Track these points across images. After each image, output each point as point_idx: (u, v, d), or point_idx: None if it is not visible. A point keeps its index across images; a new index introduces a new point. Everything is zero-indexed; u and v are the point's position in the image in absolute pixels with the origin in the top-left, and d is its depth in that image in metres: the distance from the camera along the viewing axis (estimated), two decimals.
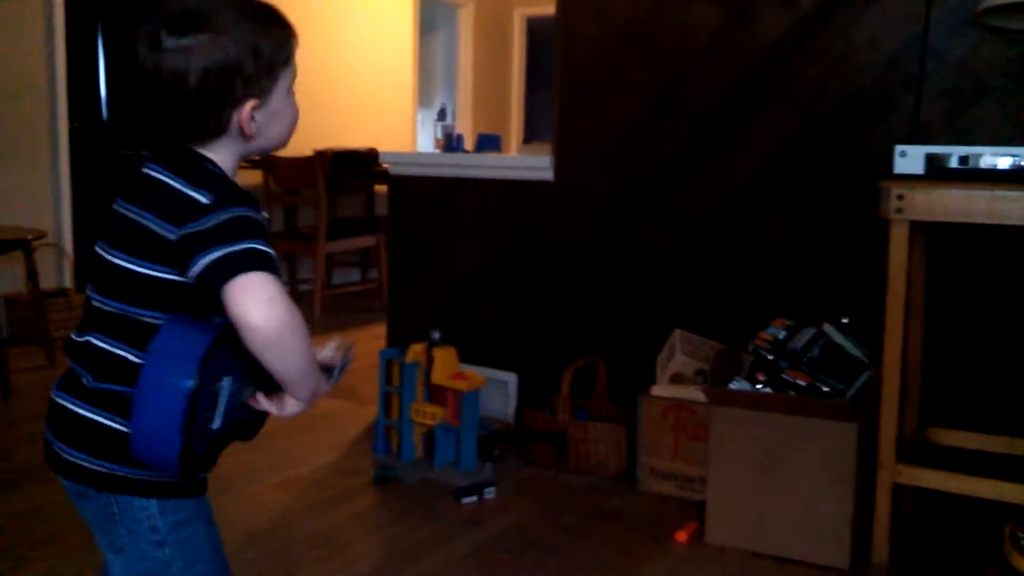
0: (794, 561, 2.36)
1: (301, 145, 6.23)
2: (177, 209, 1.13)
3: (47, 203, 5.01)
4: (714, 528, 2.48)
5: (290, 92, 1.24)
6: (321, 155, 5.48)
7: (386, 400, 3.01)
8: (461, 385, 2.84)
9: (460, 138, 5.69)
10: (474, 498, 2.75)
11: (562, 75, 3.29)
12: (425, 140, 8.57)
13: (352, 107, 7.02)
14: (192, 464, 1.13)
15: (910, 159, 2.33)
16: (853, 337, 2.50)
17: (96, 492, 1.20)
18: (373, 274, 6.66)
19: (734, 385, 2.45)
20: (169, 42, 1.13)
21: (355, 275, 6.91)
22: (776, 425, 2.37)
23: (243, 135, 1.20)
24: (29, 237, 3.91)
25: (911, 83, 2.70)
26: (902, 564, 2.32)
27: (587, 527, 2.60)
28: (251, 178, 6.07)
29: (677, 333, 2.94)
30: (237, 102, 1.17)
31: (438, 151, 6.13)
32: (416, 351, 2.94)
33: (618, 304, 3.22)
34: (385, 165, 4.02)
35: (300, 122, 1.27)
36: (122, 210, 1.18)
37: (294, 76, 1.23)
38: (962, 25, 2.62)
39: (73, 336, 1.22)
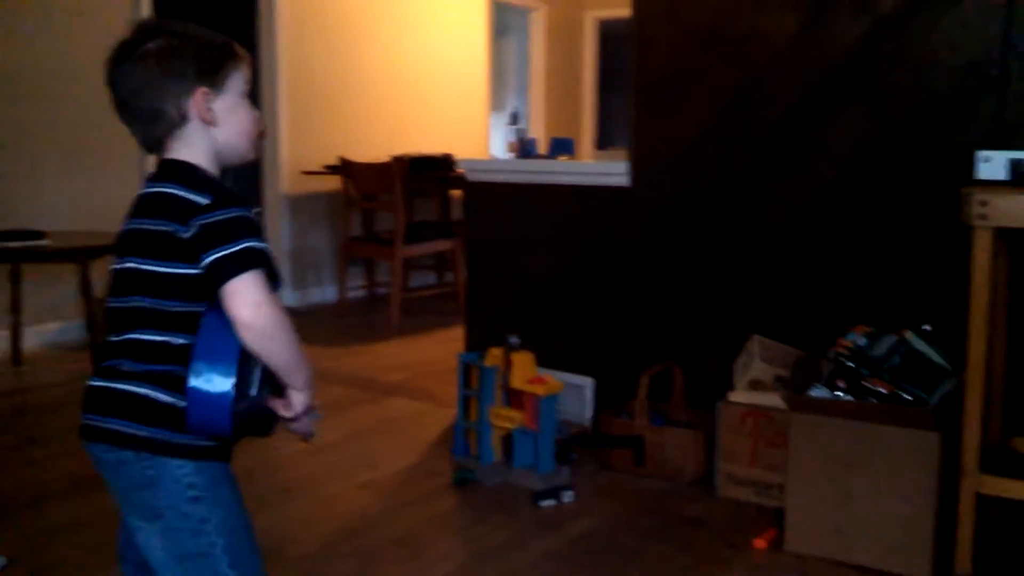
0: (874, 570, 2.35)
1: (379, 151, 6.35)
2: (183, 211, 1.31)
3: None
4: (793, 535, 2.48)
5: (244, 97, 1.44)
6: (398, 161, 5.57)
7: (465, 403, 3.07)
8: (539, 390, 2.88)
9: (533, 142, 5.74)
10: (552, 501, 2.79)
11: (637, 81, 3.31)
12: (497, 144, 8.64)
13: (427, 113, 7.12)
14: (240, 426, 1.31)
15: (993, 164, 2.29)
16: (935, 345, 2.48)
17: (136, 457, 1.33)
18: (449, 277, 6.74)
19: (814, 392, 2.44)
20: (130, 56, 1.37)
21: (431, 278, 7.01)
22: (857, 433, 2.36)
23: (205, 121, 1.39)
24: None
25: (993, 86, 2.66)
26: (985, 575, 2.30)
27: (665, 532, 2.62)
28: (331, 184, 6.21)
29: (755, 339, 2.94)
30: (190, 89, 1.37)
31: (511, 155, 6.18)
32: (495, 355, 2.99)
33: (695, 309, 3.23)
34: (461, 171, 4.08)
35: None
36: (136, 226, 1.36)
37: (247, 85, 1.45)
38: None
39: (111, 338, 1.38)
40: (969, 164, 2.37)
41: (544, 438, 2.91)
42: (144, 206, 1.36)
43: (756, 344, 2.91)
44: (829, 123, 2.93)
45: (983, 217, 2.15)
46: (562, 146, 4.68)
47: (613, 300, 3.41)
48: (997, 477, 2.26)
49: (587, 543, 2.55)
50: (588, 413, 3.41)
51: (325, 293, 6.42)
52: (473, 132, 7.68)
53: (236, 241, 1.29)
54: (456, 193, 6.76)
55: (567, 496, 2.81)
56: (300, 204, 6.26)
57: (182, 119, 1.38)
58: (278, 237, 6.10)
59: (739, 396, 2.81)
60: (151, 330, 1.33)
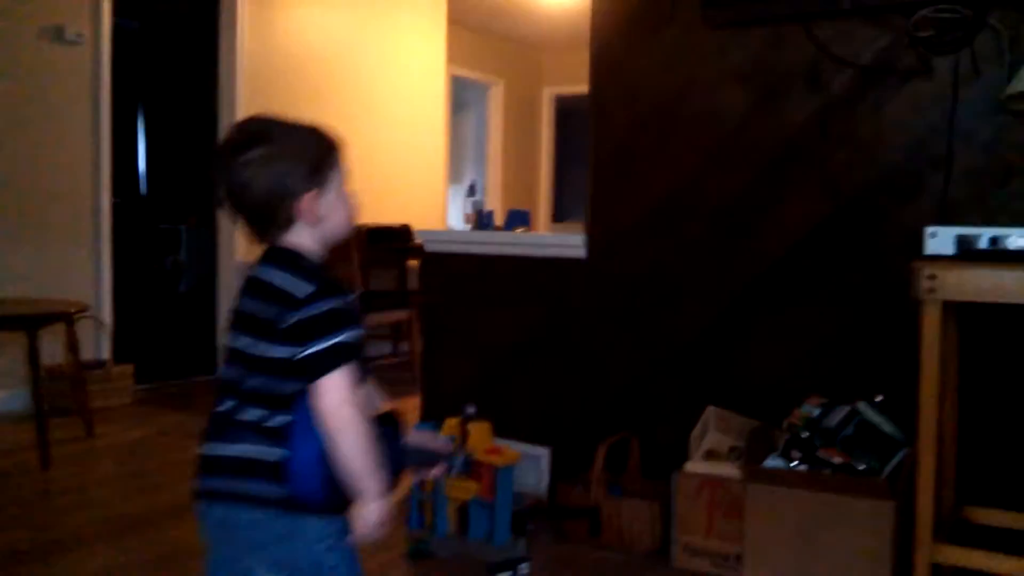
0: None
1: None
2: (284, 301, 1.42)
3: (88, 276, 5.12)
4: None
5: (342, 188, 1.54)
6: (356, 230, 5.58)
7: None
8: (496, 460, 2.86)
9: (490, 214, 5.78)
10: (508, 573, 2.75)
11: (594, 156, 3.37)
12: (455, 215, 8.70)
13: (385, 184, 7.15)
14: (334, 492, 1.44)
15: (940, 240, 2.36)
16: (887, 415, 2.51)
17: (272, 517, 1.44)
18: (403, 347, 6.71)
19: (769, 463, 2.46)
20: (237, 160, 1.44)
21: (386, 348, 6.97)
22: (812, 503, 2.38)
23: (311, 222, 1.49)
24: (72, 310, 4.00)
25: (939, 164, 2.75)
26: None
27: None
28: None
29: (711, 410, 2.96)
30: (297, 195, 1.47)
31: (468, 226, 6.22)
32: (451, 425, 2.97)
33: (651, 380, 3.25)
34: (419, 241, 4.10)
35: None
36: (246, 308, 1.47)
37: (344, 176, 1.54)
38: (988, 109, 2.67)
39: (225, 408, 1.48)
40: (917, 239, 2.44)
41: (500, 509, 2.88)
42: (253, 289, 1.47)
43: (712, 415, 2.93)
44: (781, 198, 3.00)
45: (932, 291, 2.20)
46: (519, 218, 4.71)
47: (569, 371, 3.42)
48: (951, 546, 2.28)
49: None
50: (544, 483, 3.39)
51: None
52: (431, 203, 7.72)
53: (328, 336, 1.40)
54: (413, 263, 6.77)
55: (523, 568, 2.78)
56: None
57: (289, 221, 1.48)
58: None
59: (695, 466, 2.82)
60: (264, 407, 1.44)
